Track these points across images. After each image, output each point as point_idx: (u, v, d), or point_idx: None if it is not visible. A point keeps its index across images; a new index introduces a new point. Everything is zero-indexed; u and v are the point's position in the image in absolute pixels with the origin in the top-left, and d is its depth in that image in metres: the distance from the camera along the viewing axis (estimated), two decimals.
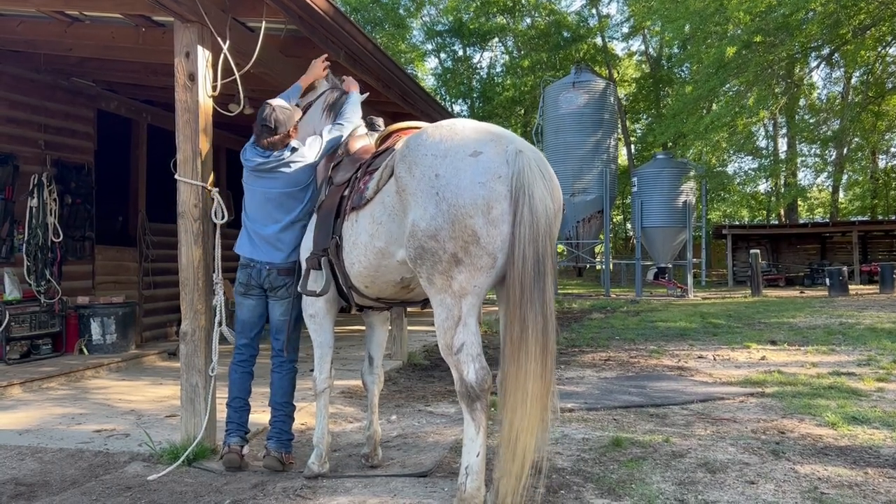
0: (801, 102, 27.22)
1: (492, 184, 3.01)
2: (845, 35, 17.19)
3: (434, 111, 8.28)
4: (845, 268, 20.72)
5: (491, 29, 38.78)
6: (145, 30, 5.61)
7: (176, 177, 4.45)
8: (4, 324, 7.07)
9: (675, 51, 31.62)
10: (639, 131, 38.81)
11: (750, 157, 29.56)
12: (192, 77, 4.41)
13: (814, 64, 20.94)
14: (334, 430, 4.88)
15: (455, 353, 3.11)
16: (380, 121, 4.59)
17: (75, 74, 8.08)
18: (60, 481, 3.91)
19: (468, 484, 3.09)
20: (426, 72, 42.62)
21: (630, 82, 38.48)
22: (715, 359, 8.31)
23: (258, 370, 4.28)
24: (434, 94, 32.86)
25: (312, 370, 4.20)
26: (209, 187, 4.48)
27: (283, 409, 4.12)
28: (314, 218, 3.99)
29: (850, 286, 20.52)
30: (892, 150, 33.28)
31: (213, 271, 4.45)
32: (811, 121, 25.32)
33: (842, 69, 26.23)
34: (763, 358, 8.26)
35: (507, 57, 41.63)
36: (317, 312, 4.05)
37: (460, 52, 41.27)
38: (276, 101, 4.13)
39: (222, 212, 4.45)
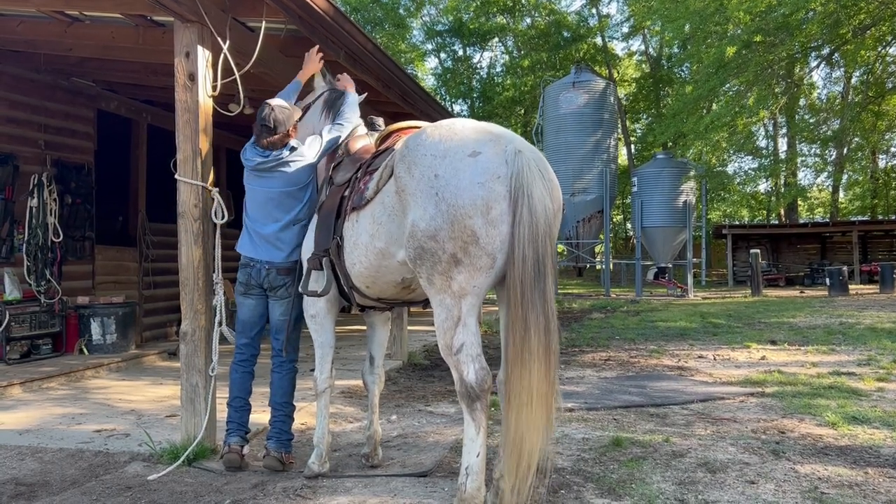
0: (801, 102, 27.24)
1: (491, 184, 3.01)
2: (845, 35, 17.19)
3: (434, 111, 8.28)
4: (845, 267, 20.72)
5: (491, 29, 38.77)
6: (145, 30, 5.61)
7: (176, 177, 4.45)
8: (4, 324, 7.07)
9: (675, 51, 31.63)
10: (639, 131, 38.82)
11: (750, 157, 29.60)
12: (192, 77, 4.41)
13: (814, 64, 20.97)
14: (334, 430, 4.88)
15: (455, 354, 3.11)
16: (380, 120, 4.59)
17: (75, 74, 8.08)
18: (60, 481, 3.91)
19: (468, 484, 3.09)
20: (426, 72, 42.66)
21: (630, 82, 38.48)
22: (715, 359, 8.31)
23: (258, 370, 4.28)
24: (434, 94, 32.86)
25: (313, 370, 4.20)
26: (209, 187, 4.48)
27: (283, 409, 4.12)
28: (315, 218, 3.99)
29: (850, 286, 20.52)
30: (893, 149, 33.31)
31: (213, 271, 4.45)
32: (811, 121, 25.33)
33: (842, 69, 26.24)
34: (763, 358, 8.26)
35: (507, 57, 41.65)
36: (318, 312, 4.05)
37: (460, 52, 41.28)
38: (276, 101, 4.13)
39: (222, 212, 4.45)
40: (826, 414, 5.22)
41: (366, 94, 4.84)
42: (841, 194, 36.86)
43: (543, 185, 3.07)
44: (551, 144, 23.20)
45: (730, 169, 29.40)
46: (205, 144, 4.47)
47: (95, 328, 7.84)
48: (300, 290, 3.95)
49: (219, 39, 4.49)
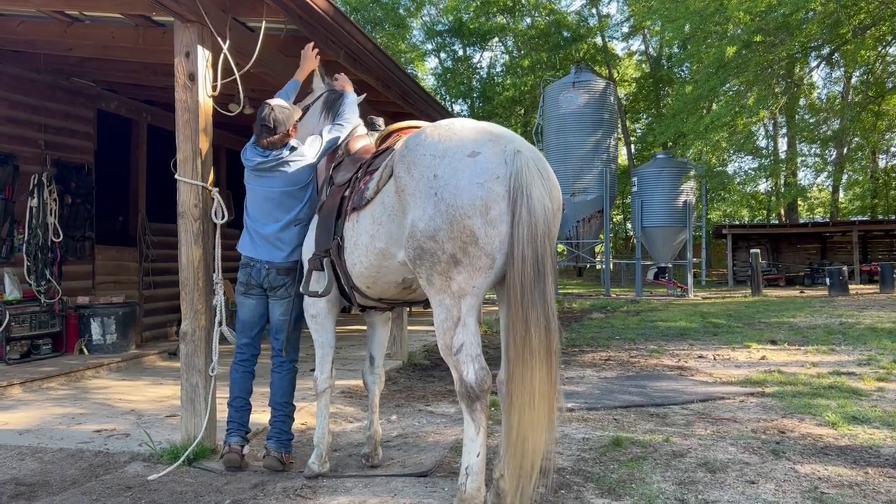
0: (801, 102, 27.23)
1: (490, 184, 3.01)
2: (845, 35, 17.19)
3: (434, 111, 8.28)
4: (845, 267, 20.72)
5: (491, 29, 38.77)
6: (145, 30, 5.61)
7: (176, 177, 4.45)
8: (4, 324, 7.07)
9: (675, 50, 31.63)
10: (639, 131, 38.82)
11: (750, 157, 29.59)
12: (192, 77, 4.41)
13: (814, 63, 20.96)
14: (334, 430, 4.88)
15: (454, 354, 3.11)
16: (380, 120, 4.59)
17: (75, 74, 8.08)
18: (60, 481, 3.91)
19: (468, 484, 3.09)
20: (426, 72, 42.66)
21: (630, 82, 38.48)
22: (715, 358, 8.31)
23: (259, 370, 4.28)
24: (434, 93, 32.88)
25: (313, 370, 4.20)
26: (209, 187, 4.48)
27: (283, 409, 4.12)
28: (315, 219, 3.99)
29: (850, 286, 20.52)
30: (893, 149, 33.30)
31: (213, 271, 4.45)
32: (811, 120, 25.33)
33: (842, 69, 26.25)
34: (763, 357, 8.26)
35: (507, 57, 41.65)
36: (318, 312, 4.05)
37: (460, 52, 41.28)
38: (275, 101, 4.13)
39: (222, 212, 4.45)
40: (826, 414, 5.22)
41: (365, 94, 4.84)
42: (841, 194, 36.87)
43: (542, 185, 3.07)
44: (551, 144, 23.20)
45: (730, 169, 29.41)
46: (205, 144, 4.47)
47: (95, 328, 7.84)
48: (301, 290, 3.95)
49: (219, 39, 4.49)
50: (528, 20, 39.35)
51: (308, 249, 3.96)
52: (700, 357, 8.45)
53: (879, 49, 19.35)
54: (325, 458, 3.98)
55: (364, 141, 4.22)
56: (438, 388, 6.62)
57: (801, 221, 32.44)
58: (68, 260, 8.20)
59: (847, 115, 20.47)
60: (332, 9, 5.16)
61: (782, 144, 33.77)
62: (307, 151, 4.11)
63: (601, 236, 24.06)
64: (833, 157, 29.80)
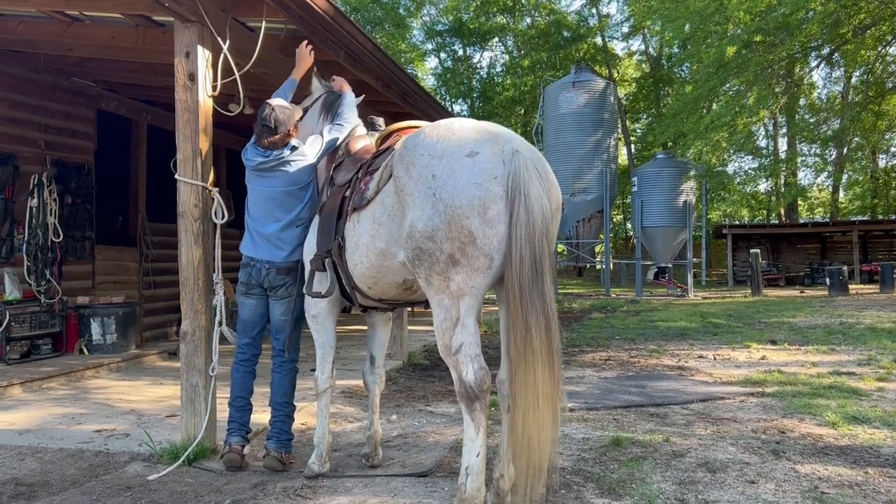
0: (801, 102, 27.23)
1: (488, 184, 3.01)
2: (845, 34, 17.19)
3: (434, 111, 8.28)
4: (845, 267, 20.72)
5: (491, 29, 38.77)
6: (145, 30, 5.61)
7: (176, 177, 4.46)
8: (4, 324, 7.07)
9: (675, 50, 31.62)
10: (639, 131, 38.82)
11: (750, 157, 29.60)
12: (192, 77, 4.41)
13: (814, 63, 20.96)
14: (335, 430, 4.88)
15: (454, 354, 3.11)
16: (380, 120, 4.59)
17: (75, 74, 8.08)
18: (61, 481, 3.91)
19: (468, 484, 3.09)
20: (426, 71, 42.66)
21: (630, 82, 38.48)
22: (715, 358, 8.31)
23: (259, 370, 4.28)
24: (434, 93, 32.89)
25: (313, 370, 4.20)
26: (209, 187, 4.48)
27: (284, 409, 4.12)
28: (316, 219, 3.99)
29: (850, 286, 20.51)
30: (893, 149, 33.30)
31: (213, 271, 4.45)
32: (811, 120, 25.33)
33: (842, 69, 26.24)
34: (763, 357, 8.26)
35: (507, 57, 41.65)
36: (319, 313, 4.05)
37: (460, 52, 41.28)
38: (276, 101, 4.13)
39: (222, 212, 4.45)
40: (826, 414, 5.23)
41: (364, 95, 4.83)
42: (841, 194, 36.87)
43: (541, 185, 3.07)
44: (551, 144, 23.20)
45: (730, 169, 29.42)
46: (205, 144, 4.47)
47: (95, 328, 7.85)
48: (305, 291, 3.95)
49: (219, 39, 4.49)
50: (528, 20, 39.35)
51: (309, 250, 3.96)
52: (700, 357, 8.45)
53: (879, 49, 19.35)
54: (325, 458, 3.98)
55: (364, 141, 4.22)
56: (438, 388, 6.62)
57: (801, 221, 32.43)
58: (68, 260, 8.20)
59: (847, 114, 20.47)
60: (332, 9, 5.16)
61: (782, 144, 33.81)
62: (308, 151, 4.11)
63: (601, 236, 24.05)
64: (833, 156, 29.81)
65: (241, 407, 4.14)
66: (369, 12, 36.12)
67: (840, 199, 36.73)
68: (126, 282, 9.18)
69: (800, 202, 34.73)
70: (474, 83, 40.75)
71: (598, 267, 27.45)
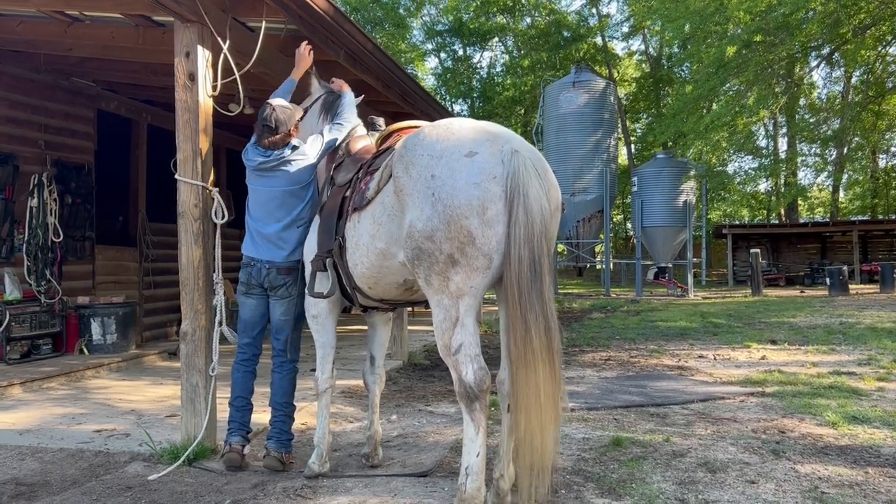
0: (802, 102, 27.22)
1: (486, 184, 3.01)
2: (845, 34, 17.19)
3: (434, 111, 8.28)
4: (845, 267, 20.71)
5: (491, 29, 38.77)
6: (145, 30, 5.61)
7: (176, 177, 4.46)
8: (5, 324, 7.07)
9: (675, 50, 31.62)
10: (639, 131, 38.82)
11: (750, 157, 29.58)
12: (192, 77, 4.41)
13: (814, 63, 20.96)
14: (335, 430, 4.88)
15: (453, 354, 3.11)
16: (381, 120, 4.59)
17: (75, 74, 8.08)
18: (61, 481, 3.91)
19: (468, 484, 3.09)
20: (426, 71, 42.66)
21: (630, 82, 38.47)
22: (715, 358, 8.31)
23: (259, 370, 4.28)
24: (434, 93, 32.88)
25: (313, 370, 4.20)
26: (209, 187, 4.48)
27: (284, 409, 4.12)
28: (317, 219, 3.99)
29: (850, 286, 20.51)
30: (893, 149, 33.29)
31: (214, 271, 4.45)
32: (811, 120, 25.32)
33: (842, 68, 26.24)
34: (763, 357, 8.26)
35: (507, 57, 41.65)
36: (320, 313, 4.05)
37: (460, 52, 41.28)
38: (277, 101, 4.14)
39: (222, 211, 4.45)
40: (826, 414, 5.23)
41: (363, 95, 4.83)
42: (841, 194, 36.87)
43: (540, 185, 3.06)
44: (551, 144, 23.20)
45: (730, 169, 29.40)
46: (205, 144, 4.47)
47: (96, 328, 7.85)
48: (308, 292, 3.95)
49: (219, 39, 4.49)
50: (528, 20, 39.34)
51: (310, 250, 3.97)
52: (700, 357, 8.45)
53: (879, 49, 19.35)
54: (325, 457, 3.98)
55: (364, 141, 4.23)
56: (438, 388, 6.62)
57: (801, 221, 32.43)
58: (68, 260, 8.20)
59: (847, 114, 20.47)
60: (332, 9, 5.16)
61: (782, 144, 33.80)
62: (309, 150, 4.12)
63: (601, 236, 24.06)
64: (833, 156, 29.80)
65: (242, 407, 4.14)
66: (369, 12, 36.12)
67: (840, 199, 36.73)
68: (126, 282, 9.18)
69: (800, 202, 34.73)
70: (474, 83, 40.75)
71: (598, 267, 27.45)
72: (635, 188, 22.42)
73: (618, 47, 39.17)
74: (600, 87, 23.21)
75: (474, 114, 36.81)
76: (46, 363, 7.22)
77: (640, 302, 18.55)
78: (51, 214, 7.78)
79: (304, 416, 5.12)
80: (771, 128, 33.02)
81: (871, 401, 5.75)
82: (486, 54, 43.41)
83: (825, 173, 32.87)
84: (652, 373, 7.40)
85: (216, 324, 4.35)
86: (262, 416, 4.49)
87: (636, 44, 39.09)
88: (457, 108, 39.49)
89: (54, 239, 7.80)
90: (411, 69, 37.25)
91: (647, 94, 36.18)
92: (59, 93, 8.20)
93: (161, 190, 8.90)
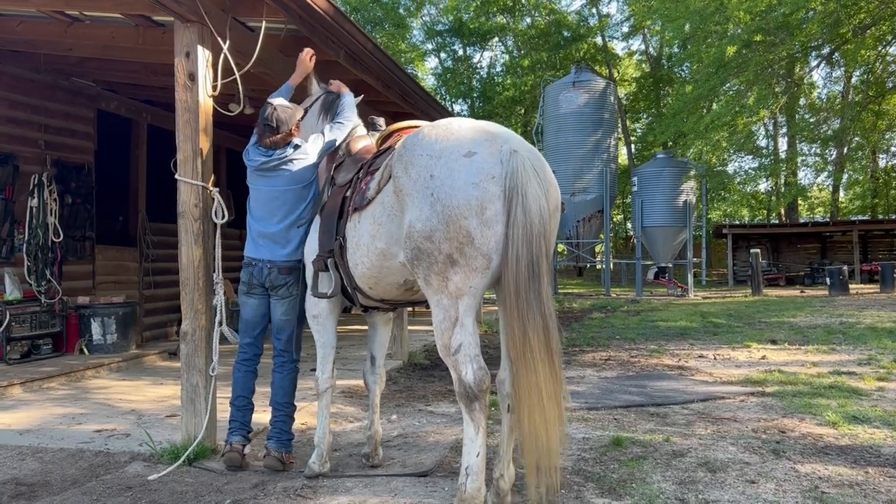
0: (802, 102, 27.23)
1: (485, 184, 3.01)
2: (845, 34, 17.19)
3: (434, 111, 8.28)
4: (846, 267, 20.71)
5: (491, 28, 38.77)
6: (145, 30, 5.61)
7: (176, 177, 4.46)
8: (5, 324, 7.07)
9: (676, 50, 31.62)
10: (639, 131, 38.81)
11: (750, 157, 29.58)
12: (192, 77, 4.41)
13: (814, 63, 20.95)
14: (335, 430, 4.88)
15: (453, 354, 3.11)
16: (381, 120, 4.59)
17: (75, 74, 8.08)
18: (61, 481, 3.91)
19: (468, 484, 3.09)
20: (426, 71, 42.66)
21: (630, 82, 38.47)
22: (715, 358, 8.31)
23: (260, 369, 4.28)
24: (434, 93, 32.89)
25: (313, 370, 4.20)
26: (209, 187, 4.48)
27: (284, 409, 4.12)
28: (317, 219, 3.99)
29: (850, 285, 20.51)
30: (893, 149, 33.29)
31: (214, 271, 4.45)
32: (811, 120, 25.32)
33: (842, 68, 26.24)
34: (763, 357, 8.26)
35: (507, 56, 41.65)
36: (320, 313, 4.06)
37: (460, 52, 41.28)
38: (278, 101, 4.14)
39: (223, 211, 4.45)
40: (826, 413, 5.23)
41: (362, 95, 4.84)
42: (841, 194, 36.86)
43: (539, 185, 3.06)
44: (551, 144, 23.20)
45: (730, 168, 29.39)
46: (205, 144, 4.47)
47: (96, 328, 7.85)
48: (311, 292, 3.95)
49: (219, 39, 4.49)
50: (528, 20, 39.34)
51: (311, 250, 3.97)
52: (700, 357, 8.45)
53: (879, 49, 19.35)
54: (325, 457, 3.98)
55: (365, 141, 4.23)
56: (439, 387, 6.62)
57: (802, 221, 32.43)
58: (68, 260, 8.20)
59: (847, 114, 20.48)
60: (332, 9, 5.17)
61: (782, 144, 33.80)
62: (310, 150, 4.12)
63: (601, 236, 24.06)
64: (833, 156, 29.80)
65: (243, 406, 4.14)
66: (369, 12, 36.12)
67: (840, 199, 36.72)
68: (126, 282, 9.18)
69: (800, 202, 34.73)
70: (474, 83, 40.75)
71: (599, 267, 27.44)
72: (635, 188, 22.42)
73: (618, 47, 39.23)
74: (600, 87, 23.21)
75: (474, 114, 36.80)
76: (46, 363, 7.22)
77: (640, 302, 18.55)
78: (51, 214, 7.78)
79: (305, 415, 5.12)
80: (771, 128, 33.02)
81: (872, 400, 5.75)
82: (486, 54, 43.48)
83: (825, 173, 32.90)
84: (652, 373, 7.40)
85: (216, 324, 4.35)
86: (262, 415, 4.49)
87: (636, 44, 39.16)
88: (457, 108, 39.50)
89: (54, 239, 7.80)
90: (411, 69, 37.25)
91: (647, 94, 36.17)
92: (59, 93, 8.20)
93: (161, 190, 8.90)
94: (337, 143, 4.25)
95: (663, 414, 5.44)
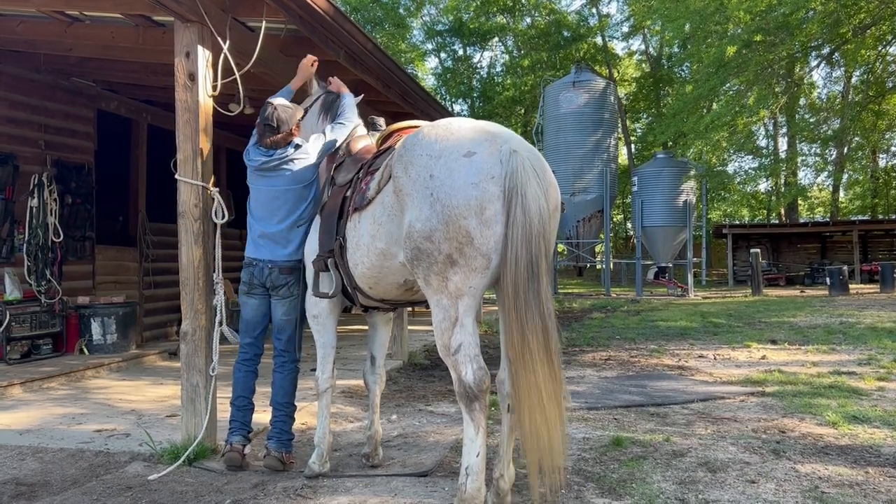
0: (802, 102, 27.23)
1: (485, 184, 3.01)
2: (845, 34, 17.19)
3: (434, 111, 8.28)
4: (846, 267, 20.71)
5: (491, 28, 38.77)
6: (145, 30, 5.61)
7: (176, 177, 4.46)
8: (5, 324, 7.07)
9: (676, 50, 31.62)
10: (639, 131, 38.81)
11: (750, 157, 29.58)
12: (193, 77, 4.41)
13: (814, 63, 20.96)
14: (335, 430, 4.88)
15: (453, 354, 3.11)
16: (381, 120, 4.60)
17: (75, 74, 8.08)
18: (61, 481, 3.91)
19: (468, 484, 3.09)
20: (426, 71, 42.67)
21: (630, 82, 38.47)
22: (715, 358, 8.31)
23: (260, 369, 4.28)
24: (434, 93, 32.88)
25: (313, 370, 4.20)
26: (209, 187, 4.48)
27: (284, 409, 4.12)
28: (318, 219, 3.99)
29: (850, 285, 20.50)
30: (893, 149, 33.28)
31: (214, 271, 4.45)
32: (811, 120, 25.32)
33: (842, 68, 26.24)
34: (763, 357, 8.26)
35: (507, 56, 41.65)
36: (320, 313, 4.06)
37: (460, 52, 41.28)
38: (279, 100, 4.15)
39: (223, 211, 4.45)
40: (826, 413, 5.23)
41: (362, 95, 4.84)
42: (841, 194, 36.86)
43: (538, 185, 3.06)
44: (551, 144, 23.21)
45: (730, 168, 29.39)
46: (205, 144, 4.47)
47: (96, 328, 7.85)
48: (312, 292, 3.95)
49: (219, 39, 4.49)
50: (528, 20, 39.34)
51: (311, 250, 3.97)
52: (700, 357, 8.45)
53: (879, 48, 19.35)
54: (325, 457, 3.98)
55: (365, 141, 4.23)
56: (439, 387, 6.62)
57: (802, 221, 32.42)
58: (68, 260, 8.20)
59: (847, 114, 20.48)
60: (333, 9, 5.17)
61: (782, 144, 33.80)
62: (311, 149, 4.12)
63: (601, 236, 24.06)
64: (833, 156, 29.80)
65: (243, 406, 4.14)
66: (369, 12, 36.12)
67: (840, 199, 36.72)
68: (126, 282, 9.18)
69: (800, 202, 34.72)
70: (474, 83, 40.76)
71: (599, 267, 27.45)
72: (635, 188, 22.42)
73: (618, 47, 39.23)
74: (600, 87, 23.22)
75: (474, 114, 36.81)
76: (46, 363, 7.22)
77: (640, 302, 18.55)
78: (51, 214, 7.78)
79: (305, 415, 5.12)
80: (771, 128, 33.02)
81: (872, 400, 5.75)
82: (486, 54, 43.49)
83: (825, 173, 32.91)
84: (652, 372, 7.40)
85: (216, 324, 4.35)
86: (262, 415, 4.49)
87: (636, 44, 39.16)
88: (457, 108, 39.50)
89: (54, 239, 7.80)
90: (411, 69, 37.24)
91: (647, 93, 36.17)
92: (59, 93, 8.20)
93: (161, 190, 8.90)
94: (338, 144, 4.25)
95: (663, 414, 5.44)
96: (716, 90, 18.96)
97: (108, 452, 4.42)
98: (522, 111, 39.18)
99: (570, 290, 24.30)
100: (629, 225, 36.81)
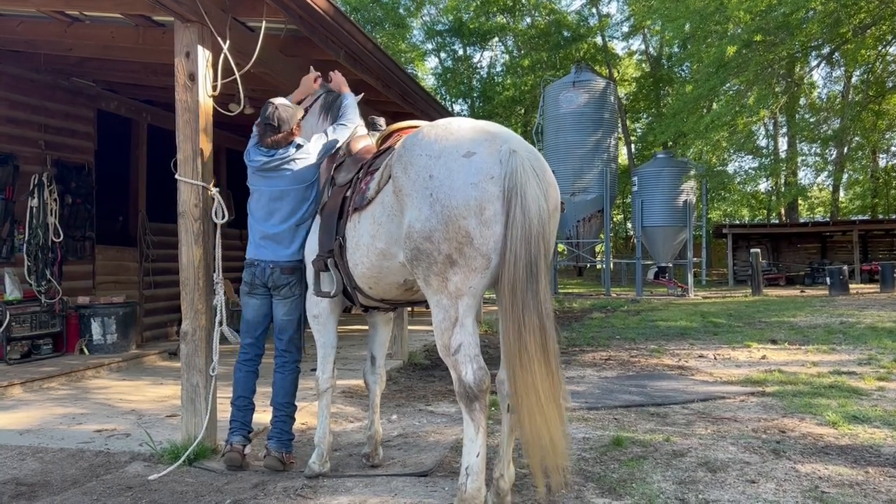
0: (802, 101, 27.22)
1: (484, 184, 3.01)
2: (845, 34, 17.18)
3: (434, 111, 8.28)
4: (846, 267, 20.70)
5: (491, 28, 38.77)
6: (145, 30, 5.61)
7: (176, 177, 4.46)
8: (5, 324, 7.07)
9: (676, 50, 31.61)
10: (639, 131, 38.81)
11: (750, 157, 29.55)
12: (193, 77, 4.41)
13: (814, 63, 20.96)
14: (335, 430, 4.88)
15: (453, 354, 3.11)
16: (381, 120, 4.60)
17: (75, 74, 8.08)
18: (61, 481, 3.91)
19: (469, 484, 3.09)
20: (426, 71, 42.66)
21: (630, 81, 38.47)
22: (715, 358, 8.31)
23: (261, 369, 4.28)
24: (434, 93, 32.89)
25: (314, 370, 4.20)
26: (210, 187, 4.48)
27: (285, 409, 4.12)
28: (317, 219, 3.99)
29: (850, 285, 20.50)
30: (893, 149, 33.28)
31: (214, 271, 4.45)
32: (811, 120, 25.31)
33: (842, 68, 26.23)
34: (764, 357, 8.26)
35: (507, 56, 41.65)
36: (321, 313, 4.06)
37: (460, 52, 41.28)
38: (279, 100, 4.15)
39: (223, 211, 4.45)
40: (827, 413, 5.23)
41: (363, 94, 4.84)
42: (841, 193, 36.86)
43: (538, 185, 3.06)
44: (551, 144, 23.20)
45: (730, 168, 29.36)
46: (205, 144, 4.47)
47: (96, 328, 7.85)
48: (314, 292, 3.95)
49: (219, 39, 4.49)
50: (528, 20, 39.34)
51: (311, 250, 3.97)
52: (700, 356, 8.45)
53: (880, 48, 19.35)
54: (325, 457, 3.98)
55: (365, 141, 4.23)
56: (439, 387, 6.62)
57: (802, 221, 32.42)
58: (69, 260, 8.20)
59: (847, 114, 20.47)
60: (333, 9, 5.17)
61: (782, 144, 33.80)
62: (312, 149, 4.12)
63: (601, 236, 24.06)
64: (833, 156, 29.78)
65: (244, 406, 4.14)
66: (369, 12, 36.12)
67: (840, 199, 36.72)
68: (126, 282, 9.18)
69: (800, 202, 34.72)
70: (474, 83, 40.76)
71: (599, 266, 27.45)
72: (635, 188, 22.42)
73: (618, 47, 39.23)
74: (600, 87, 23.21)
75: (474, 114, 36.81)
76: (47, 363, 7.22)
77: (640, 301, 18.55)
78: (51, 214, 7.77)
79: (305, 415, 5.12)
80: (771, 127, 33.02)
81: (872, 400, 5.75)
82: (486, 54, 43.49)
83: (825, 173, 32.89)
84: (652, 372, 7.40)
85: (216, 324, 4.35)
86: (263, 415, 4.49)
87: (636, 44, 39.17)
88: (457, 108, 39.50)
89: (54, 239, 7.80)
90: (411, 69, 37.25)
91: (647, 93, 36.17)
92: (59, 93, 8.20)
93: (161, 190, 8.90)
94: (339, 145, 4.25)
95: (663, 414, 5.44)
96: (716, 90, 18.96)
97: (108, 452, 4.42)
98: (522, 111, 39.18)
99: (570, 290, 24.30)
100: (629, 225, 36.82)
